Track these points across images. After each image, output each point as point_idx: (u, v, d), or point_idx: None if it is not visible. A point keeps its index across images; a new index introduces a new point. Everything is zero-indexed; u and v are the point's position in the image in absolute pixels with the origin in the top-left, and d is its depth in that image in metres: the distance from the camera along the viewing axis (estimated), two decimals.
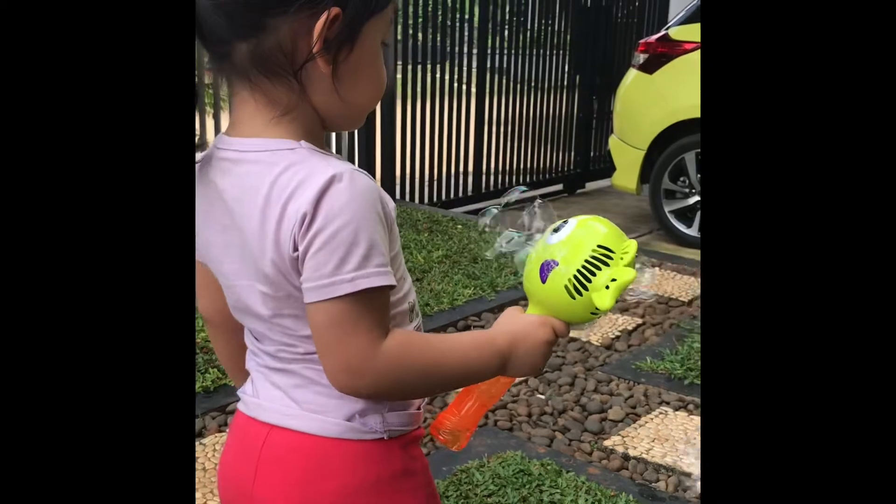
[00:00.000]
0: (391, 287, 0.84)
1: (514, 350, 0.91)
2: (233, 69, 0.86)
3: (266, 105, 0.86)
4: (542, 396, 2.63)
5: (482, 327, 3.13)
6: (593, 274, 0.89)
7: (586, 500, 2.01)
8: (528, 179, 6.10)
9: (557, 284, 0.90)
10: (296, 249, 0.82)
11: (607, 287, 0.88)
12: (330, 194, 0.80)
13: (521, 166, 6.05)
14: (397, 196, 5.04)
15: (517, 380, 2.66)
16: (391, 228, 0.87)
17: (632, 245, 0.90)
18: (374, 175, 4.83)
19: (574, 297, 0.90)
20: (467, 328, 3.13)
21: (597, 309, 0.89)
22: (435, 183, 5.36)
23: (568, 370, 2.82)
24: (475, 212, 5.45)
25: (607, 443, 2.34)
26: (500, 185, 5.85)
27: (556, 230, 0.93)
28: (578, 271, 0.89)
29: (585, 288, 0.89)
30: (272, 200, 0.82)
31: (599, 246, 0.89)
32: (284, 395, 0.92)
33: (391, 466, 0.91)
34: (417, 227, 4.37)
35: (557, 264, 0.90)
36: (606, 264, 0.89)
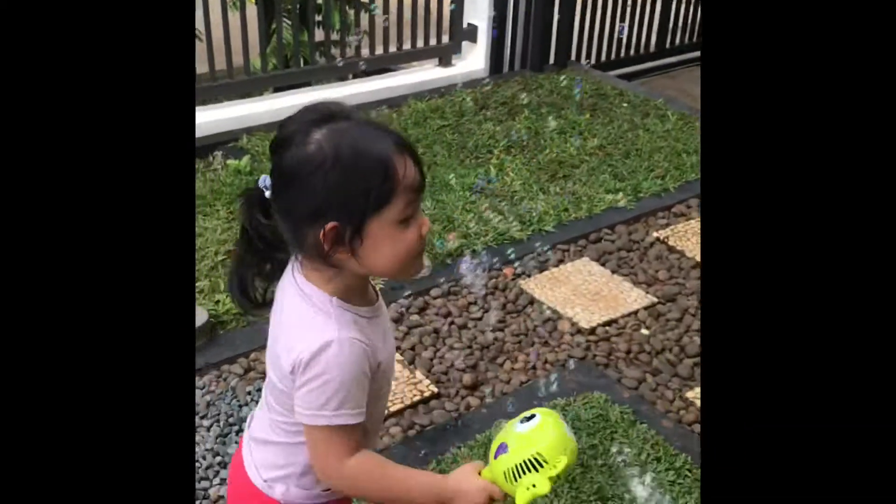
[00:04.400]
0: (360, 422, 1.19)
1: (453, 502, 1.24)
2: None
3: (319, 268, 1.19)
4: (646, 332, 2.84)
5: (612, 242, 3.30)
6: (524, 472, 1.18)
7: (648, 454, 2.30)
8: None
9: (501, 466, 1.20)
10: (293, 377, 1.17)
11: (528, 489, 1.16)
12: (324, 355, 1.13)
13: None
14: (572, 57, 5.04)
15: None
16: (374, 374, 1.20)
17: (561, 462, 1.17)
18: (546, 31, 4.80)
19: (508, 481, 1.20)
20: (599, 241, 3.32)
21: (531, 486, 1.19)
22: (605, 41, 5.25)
23: (682, 303, 2.97)
24: (644, 73, 5.32)
25: (690, 394, 2.56)
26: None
27: (526, 419, 1.22)
28: (517, 466, 1.18)
29: (517, 479, 1.18)
30: (292, 339, 1.18)
31: (539, 453, 1.17)
32: (252, 443, 1.35)
33: None
34: (582, 104, 4.41)
35: (507, 452, 1.20)
36: (537, 469, 1.17)
